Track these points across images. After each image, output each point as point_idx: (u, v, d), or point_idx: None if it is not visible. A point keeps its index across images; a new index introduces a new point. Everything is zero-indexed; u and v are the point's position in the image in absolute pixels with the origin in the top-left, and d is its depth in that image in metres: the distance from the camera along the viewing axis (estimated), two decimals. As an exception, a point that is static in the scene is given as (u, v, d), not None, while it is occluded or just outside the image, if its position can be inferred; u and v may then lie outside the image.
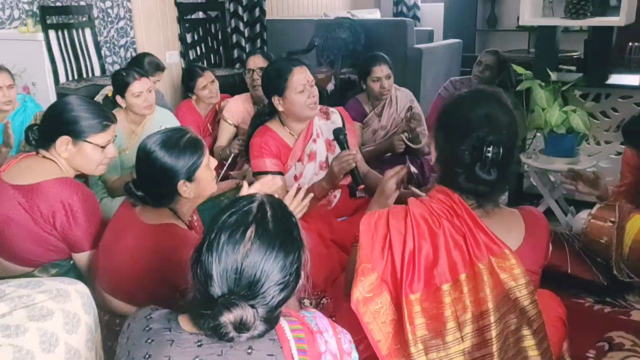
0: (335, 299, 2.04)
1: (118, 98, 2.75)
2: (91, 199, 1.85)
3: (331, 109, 2.52)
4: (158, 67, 3.53)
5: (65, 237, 1.79)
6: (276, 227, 1.05)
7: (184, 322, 1.07)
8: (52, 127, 1.83)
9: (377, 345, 1.40)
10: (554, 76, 2.81)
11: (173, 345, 1.02)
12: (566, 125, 2.66)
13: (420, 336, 1.38)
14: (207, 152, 1.69)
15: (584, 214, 2.40)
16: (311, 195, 1.73)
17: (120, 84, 2.72)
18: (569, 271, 2.30)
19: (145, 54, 3.64)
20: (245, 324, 0.98)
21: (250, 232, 1.02)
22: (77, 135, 1.81)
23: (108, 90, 3.20)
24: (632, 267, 2.18)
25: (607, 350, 1.95)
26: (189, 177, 1.63)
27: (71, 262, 1.87)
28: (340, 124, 2.44)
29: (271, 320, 1.04)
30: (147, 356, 1.02)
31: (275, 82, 2.31)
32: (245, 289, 1.00)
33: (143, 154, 1.64)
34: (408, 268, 1.38)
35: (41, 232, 1.77)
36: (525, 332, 1.40)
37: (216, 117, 3.52)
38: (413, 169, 1.72)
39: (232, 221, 1.04)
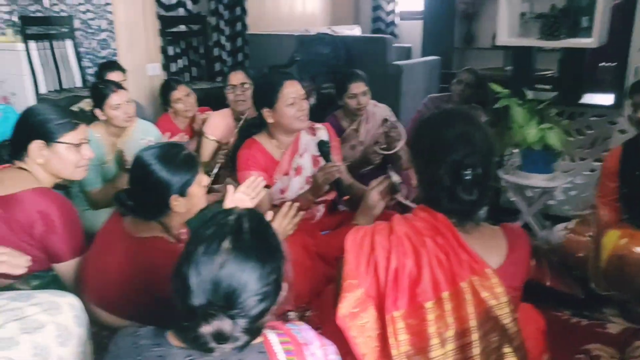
0: (321, 311, 2.05)
1: (97, 111, 2.74)
2: (70, 209, 1.83)
3: (317, 125, 2.55)
4: (119, 67, 3.43)
5: (44, 247, 1.76)
6: (253, 238, 1.06)
7: (173, 337, 1.08)
8: (22, 135, 1.81)
9: (362, 359, 1.42)
10: (530, 95, 2.90)
11: None
12: (543, 143, 2.74)
13: (404, 351, 1.39)
14: (201, 170, 1.70)
15: (561, 227, 2.47)
16: (302, 213, 1.75)
17: (99, 96, 2.72)
18: (548, 284, 2.35)
19: (105, 64, 3.52)
20: (223, 334, 0.98)
21: (226, 243, 1.03)
22: (48, 137, 1.79)
23: (85, 103, 3.18)
24: (609, 281, 2.25)
25: (586, 362, 2.01)
26: (182, 192, 1.65)
27: (51, 273, 1.84)
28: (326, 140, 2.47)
29: (253, 331, 1.04)
30: None
31: (266, 94, 2.34)
32: (223, 300, 1.00)
33: (139, 165, 1.65)
34: (392, 285, 1.39)
35: (19, 243, 1.73)
36: (507, 350, 1.43)
37: (192, 129, 3.52)
38: (396, 178, 1.75)
39: (209, 233, 1.05)
